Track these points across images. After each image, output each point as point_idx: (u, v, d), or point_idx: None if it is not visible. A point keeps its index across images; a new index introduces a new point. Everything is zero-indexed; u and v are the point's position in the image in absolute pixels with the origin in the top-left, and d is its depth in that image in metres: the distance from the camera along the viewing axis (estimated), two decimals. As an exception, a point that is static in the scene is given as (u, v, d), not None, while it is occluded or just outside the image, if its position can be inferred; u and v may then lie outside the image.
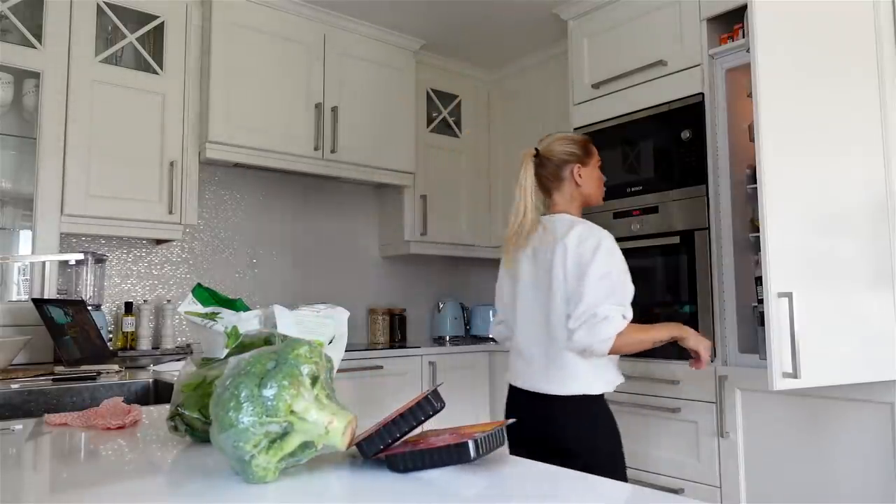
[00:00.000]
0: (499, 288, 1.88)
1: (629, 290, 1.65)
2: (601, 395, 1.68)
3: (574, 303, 1.61)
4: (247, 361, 0.73)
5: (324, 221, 3.41)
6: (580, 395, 1.64)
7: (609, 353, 1.61)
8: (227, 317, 1.00)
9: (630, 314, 1.63)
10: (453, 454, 0.74)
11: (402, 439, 0.80)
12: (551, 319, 1.67)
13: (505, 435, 0.80)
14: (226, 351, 0.96)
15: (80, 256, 2.39)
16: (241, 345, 0.94)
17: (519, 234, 1.76)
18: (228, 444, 0.69)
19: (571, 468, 0.82)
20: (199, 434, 0.90)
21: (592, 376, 1.65)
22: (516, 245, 1.77)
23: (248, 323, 0.99)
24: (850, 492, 1.90)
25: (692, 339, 1.69)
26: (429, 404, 0.77)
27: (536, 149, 1.84)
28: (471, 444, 0.73)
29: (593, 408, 1.66)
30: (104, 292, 2.67)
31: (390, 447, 0.77)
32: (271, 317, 0.97)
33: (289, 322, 0.94)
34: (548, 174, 1.81)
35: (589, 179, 1.81)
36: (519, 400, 1.75)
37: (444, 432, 0.84)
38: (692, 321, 2.32)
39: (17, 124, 2.42)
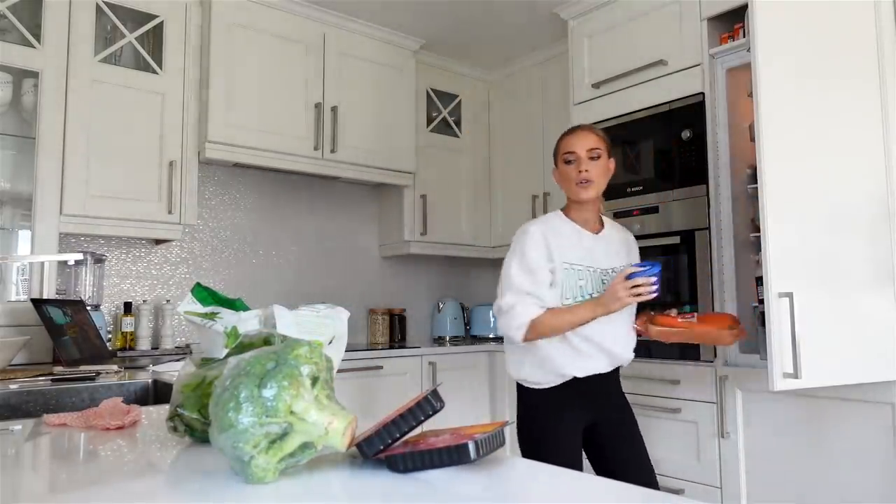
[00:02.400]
0: None
1: (531, 279, 1.72)
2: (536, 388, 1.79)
3: None
4: (247, 362, 0.72)
5: (323, 221, 3.41)
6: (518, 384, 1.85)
7: (528, 339, 1.71)
8: (227, 317, 1.00)
9: (547, 301, 1.72)
10: (453, 455, 0.74)
11: (402, 439, 0.79)
12: None
13: (505, 436, 0.80)
14: (225, 351, 0.96)
15: (80, 256, 2.38)
16: (241, 345, 0.94)
17: None
18: (228, 445, 0.68)
19: None
20: (198, 434, 0.90)
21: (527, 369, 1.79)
22: None
23: (248, 323, 0.98)
24: (850, 492, 1.90)
25: (613, 301, 1.68)
26: (428, 404, 0.77)
27: None
28: (471, 445, 0.73)
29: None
30: (103, 292, 2.66)
31: (390, 447, 0.77)
32: (271, 317, 0.96)
33: (288, 322, 0.94)
34: None
35: (559, 179, 1.86)
36: None
37: (445, 432, 0.84)
38: (692, 321, 2.32)
39: (16, 124, 2.42)
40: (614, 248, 1.86)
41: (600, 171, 1.80)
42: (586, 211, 1.83)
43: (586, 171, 1.77)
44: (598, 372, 1.76)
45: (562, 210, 1.87)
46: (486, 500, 0.70)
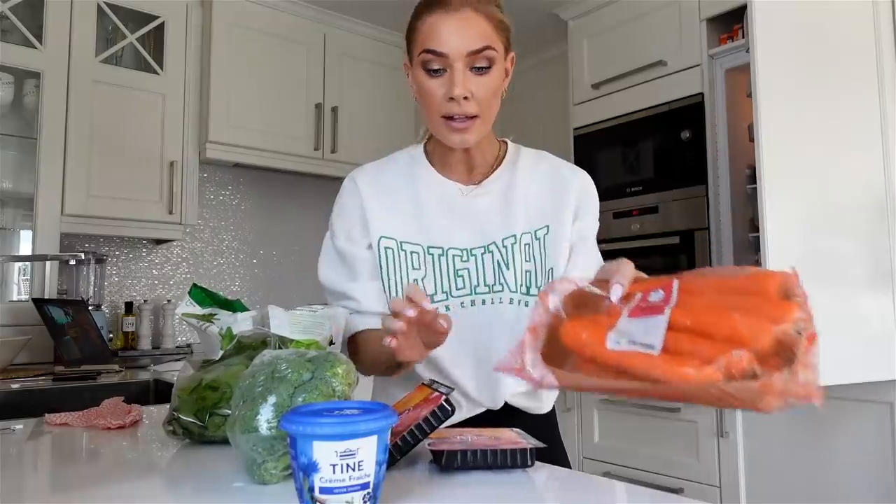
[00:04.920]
0: None
1: (343, 273, 1.12)
2: None
3: None
4: (286, 362, 0.73)
5: (324, 221, 3.38)
6: None
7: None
8: (224, 318, 1.00)
9: (374, 306, 1.05)
10: (516, 458, 0.78)
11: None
12: None
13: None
14: (222, 353, 0.96)
15: (80, 256, 2.39)
16: (239, 345, 0.94)
17: None
18: (246, 446, 0.70)
19: None
20: (196, 437, 0.89)
21: None
22: None
23: (243, 324, 0.98)
24: (849, 492, 1.90)
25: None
26: (443, 412, 0.78)
27: None
28: (529, 452, 0.78)
29: None
30: (104, 292, 2.67)
31: (414, 447, 0.79)
32: (266, 317, 0.96)
33: (283, 322, 0.93)
34: None
35: (418, 94, 1.02)
36: None
37: (483, 433, 0.85)
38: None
39: (18, 124, 2.42)
40: (518, 202, 1.05)
41: (491, 92, 0.99)
42: (459, 151, 1.05)
43: (465, 97, 0.95)
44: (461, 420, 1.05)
45: (426, 144, 1.12)
46: (487, 500, 0.70)
